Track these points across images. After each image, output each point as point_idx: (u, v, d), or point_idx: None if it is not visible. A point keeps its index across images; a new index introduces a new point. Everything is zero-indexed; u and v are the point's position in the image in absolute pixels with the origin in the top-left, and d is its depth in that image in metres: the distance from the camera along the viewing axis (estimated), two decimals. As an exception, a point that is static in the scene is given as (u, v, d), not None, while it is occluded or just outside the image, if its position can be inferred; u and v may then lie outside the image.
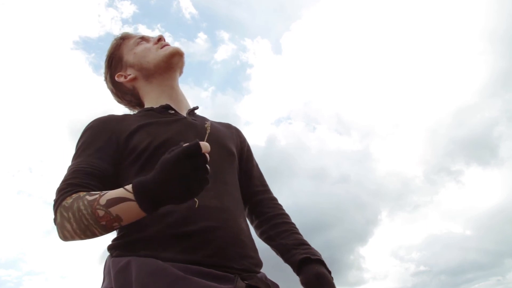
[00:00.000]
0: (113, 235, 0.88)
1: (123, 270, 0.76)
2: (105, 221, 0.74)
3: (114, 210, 0.73)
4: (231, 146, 1.04)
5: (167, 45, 1.09)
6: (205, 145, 0.68)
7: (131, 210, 0.73)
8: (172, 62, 1.07)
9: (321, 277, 0.92)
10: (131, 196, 0.72)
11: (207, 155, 0.69)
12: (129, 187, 0.73)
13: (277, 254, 1.02)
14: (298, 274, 0.95)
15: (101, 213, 0.74)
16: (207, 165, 0.69)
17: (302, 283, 0.93)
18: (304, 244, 1.00)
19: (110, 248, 0.86)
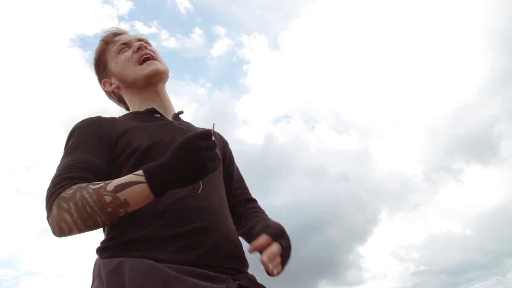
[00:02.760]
0: (101, 237, 0.87)
1: (115, 270, 0.75)
2: (111, 207, 0.74)
3: (122, 194, 0.74)
4: (217, 149, 1.04)
5: (147, 56, 1.07)
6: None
7: (140, 193, 0.74)
8: (151, 82, 1.06)
9: (268, 225, 0.89)
10: (141, 179, 0.74)
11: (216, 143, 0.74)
12: (138, 171, 0.75)
13: (245, 238, 1.01)
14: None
15: (108, 199, 0.74)
16: (217, 152, 0.74)
17: (251, 234, 0.90)
18: (264, 219, 0.99)
19: (99, 250, 0.84)
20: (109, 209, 0.74)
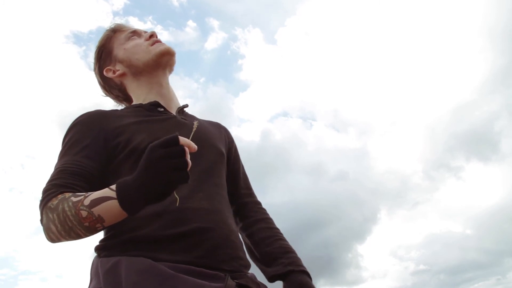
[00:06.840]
0: (100, 235, 0.86)
1: (112, 269, 0.75)
2: (88, 222, 0.73)
3: (96, 210, 0.72)
4: (221, 146, 1.04)
5: (159, 42, 1.08)
6: (185, 141, 0.68)
7: (112, 210, 0.72)
8: (161, 61, 1.05)
9: (304, 285, 0.93)
10: (114, 194, 0.71)
11: (187, 149, 0.67)
12: (113, 186, 0.73)
13: (258, 261, 1.01)
14: (281, 280, 0.96)
15: (84, 213, 0.73)
16: (186, 159, 0.67)
17: None
18: (289, 252, 1.00)
19: (97, 248, 0.84)
20: (86, 224, 0.73)
